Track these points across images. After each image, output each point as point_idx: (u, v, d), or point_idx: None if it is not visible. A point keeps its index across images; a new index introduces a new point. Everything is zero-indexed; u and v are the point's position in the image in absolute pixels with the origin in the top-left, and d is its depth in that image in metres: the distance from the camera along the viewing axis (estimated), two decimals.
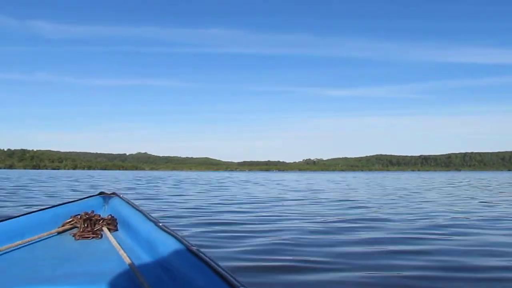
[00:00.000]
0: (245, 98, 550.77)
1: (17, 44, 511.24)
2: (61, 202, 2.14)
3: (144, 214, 1.84)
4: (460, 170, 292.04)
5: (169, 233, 1.53)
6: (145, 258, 1.52)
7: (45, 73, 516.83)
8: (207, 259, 1.24)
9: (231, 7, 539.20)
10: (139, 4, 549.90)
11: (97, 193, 2.34)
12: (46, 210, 2.00)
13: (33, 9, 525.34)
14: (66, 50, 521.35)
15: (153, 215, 1.84)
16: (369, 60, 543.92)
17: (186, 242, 1.40)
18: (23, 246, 1.64)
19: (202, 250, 1.32)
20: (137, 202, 2.11)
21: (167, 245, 1.44)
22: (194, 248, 1.32)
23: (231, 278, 1.11)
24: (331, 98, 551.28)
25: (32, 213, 1.92)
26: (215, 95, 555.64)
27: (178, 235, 1.49)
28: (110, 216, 2.01)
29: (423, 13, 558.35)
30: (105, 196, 2.29)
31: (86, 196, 2.28)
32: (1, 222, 1.73)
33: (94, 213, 2.01)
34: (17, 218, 1.82)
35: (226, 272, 1.15)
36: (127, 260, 1.44)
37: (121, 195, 2.27)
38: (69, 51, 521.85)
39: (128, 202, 2.12)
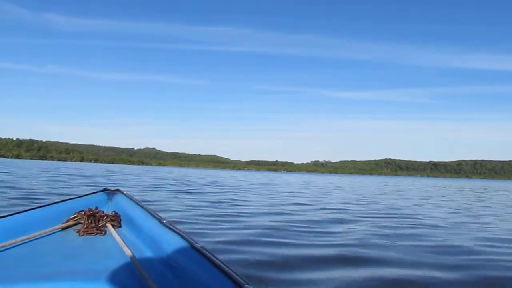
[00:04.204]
0: (254, 98, 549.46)
1: (30, 36, 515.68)
2: (65, 198, 2.14)
3: (147, 211, 1.85)
4: (470, 178, 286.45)
5: (173, 230, 1.53)
6: (149, 254, 1.52)
7: (56, 65, 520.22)
8: (212, 256, 1.23)
9: (240, 5, 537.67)
10: (150, 1, 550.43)
11: (101, 189, 2.34)
12: (50, 206, 2.00)
13: (47, 2, 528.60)
14: (77, 43, 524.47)
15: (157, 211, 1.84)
16: (381, 63, 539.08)
17: (190, 239, 1.40)
18: (27, 242, 1.64)
19: (206, 247, 1.31)
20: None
21: (171, 242, 1.44)
22: (198, 245, 1.32)
23: (236, 276, 1.10)
24: (341, 100, 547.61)
25: (36, 209, 1.91)
26: (225, 93, 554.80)
27: (182, 232, 1.49)
28: (114, 213, 2.00)
29: (438, 17, 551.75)
30: (109, 193, 2.28)
31: (90, 192, 2.28)
32: (5, 218, 1.73)
33: (98, 209, 2.00)
34: (21, 213, 1.81)
35: (231, 269, 1.14)
36: (131, 257, 1.44)
37: (125, 192, 2.26)
38: (81, 45, 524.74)
39: (131, 199, 2.11)
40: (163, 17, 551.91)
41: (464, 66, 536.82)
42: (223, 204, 7.03)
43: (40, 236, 1.72)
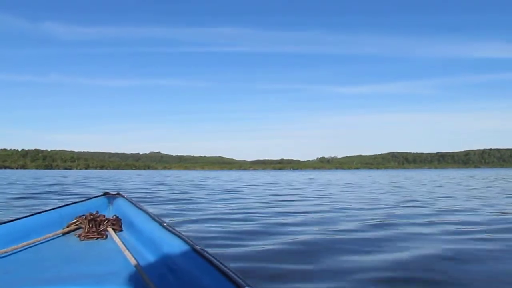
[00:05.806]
0: (257, 97, 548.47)
1: (31, 46, 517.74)
2: (66, 203, 2.15)
3: (148, 214, 1.85)
4: (479, 167, 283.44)
5: (174, 233, 1.53)
6: (150, 258, 1.52)
7: (59, 74, 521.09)
8: (213, 259, 1.23)
9: (241, 6, 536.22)
10: (150, 5, 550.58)
11: (101, 193, 2.34)
12: (51, 211, 2.00)
13: (45, 11, 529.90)
14: (79, 51, 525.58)
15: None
16: (383, 57, 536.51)
17: (191, 242, 1.40)
18: (28, 247, 1.65)
19: (207, 250, 1.31)
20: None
21: (172, 245, 1.44)
22: (199, 248, 1.33)
23: (237, 278, 1.10)
24: (345, 96, 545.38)
25: (37, 214, 1.92)
26: (228, 94, 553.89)
27: (183, 235, 1.49)
28: (114, 217, 2.01)
29: (439, 8, 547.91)
30: (109, 197, 2.29)
31: (90, 196, 2.28)
32: (6, 224, 1.73)
33: (99, 213, 2.01)
34: (23, 219, 1.82)
35: (232, 271, 1.14)
36: (132, 261, 1.45)
37: (125, 196, 2.27)
38: (82, 53, 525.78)
39: (132, 202, 2.11)
40: (162, 20, 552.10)
41: (467, 55, 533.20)
42: None
43: (41, 241, 1.72)
